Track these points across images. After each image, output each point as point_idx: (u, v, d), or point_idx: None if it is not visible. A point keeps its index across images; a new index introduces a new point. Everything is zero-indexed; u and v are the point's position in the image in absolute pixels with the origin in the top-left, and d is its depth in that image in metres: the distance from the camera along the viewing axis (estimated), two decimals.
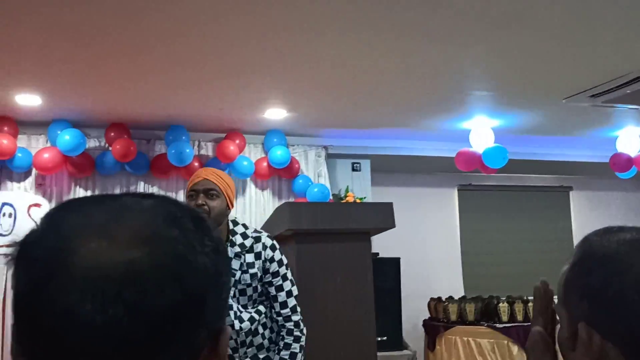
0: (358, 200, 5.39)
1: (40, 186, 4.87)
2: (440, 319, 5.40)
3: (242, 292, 2.16)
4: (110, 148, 4.93)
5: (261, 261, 2.18)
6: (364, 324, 2.89)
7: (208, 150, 5.34)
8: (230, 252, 2.15)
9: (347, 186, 5.59)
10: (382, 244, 4.90)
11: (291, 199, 5.48)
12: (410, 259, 5.70)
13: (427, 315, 5.67)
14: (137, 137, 5.04)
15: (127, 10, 2.88)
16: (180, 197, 5.20)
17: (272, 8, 2.90)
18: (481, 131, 5.09)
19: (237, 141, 5.20)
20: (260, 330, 2.22)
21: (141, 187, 5.13)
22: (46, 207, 4.81)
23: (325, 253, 2.85)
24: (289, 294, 2.21)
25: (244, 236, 2.21)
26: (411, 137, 5.62)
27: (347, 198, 5.41)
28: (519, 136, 5.57)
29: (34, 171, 4.84)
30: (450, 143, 5.48)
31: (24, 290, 0.52)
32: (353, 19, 3.06)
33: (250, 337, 2.21)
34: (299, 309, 2.24)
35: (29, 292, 0.51)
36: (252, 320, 2.19)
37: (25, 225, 4.70)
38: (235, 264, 2.15)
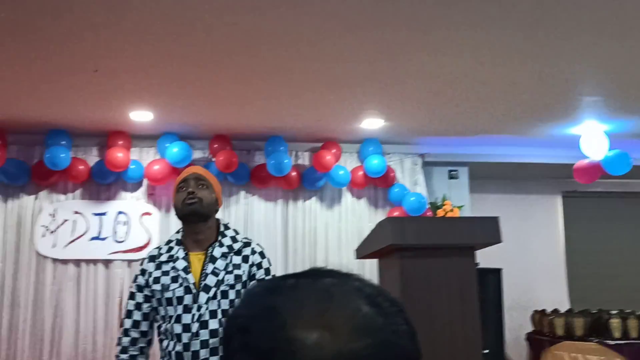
0: (456, 209, 5.29)
1: (150, 196, 5.17)
2: (545, 333, 5.17)
3: (224, 294, 2.02)
4: (214, 159, 5.15)
5: (248, 265, 2.10)
6: (469, 340, 2.82)
7: (305, 159, 5.44)
8: (218, 251, 2.08)
9: (444, 194, 5.49)
10: (482, 254, 4.74)
11: (387, 208, 5.47)
12: (511, 269, 5.51)
13: (529, 328, 5.46)
14: (238, 148, 5.23)
15: (233, 35, 3.00)
16: (279, 205, 5.34)
17: (373, 26, 2.92)
18: (594, 137, 4.80)
19: (334, 150, 5.26)
20: (221, 352, 2.06)
21: (242, 197, 5.32)
22: (156, 215, 5.11)
23: (429, 268, 2.81)
24: None
25: (234, 239, 2.17)
26: (513, 144, 5.43)
27: (444, 206, 5.32)
28: (632, 140, 5.23)
29: (145, 182, 5.15)
30: (555, 149, 5.25)
31: None
32: (454, 30, 3.02)
33: (205, 351, 1.97)
34: None
35: None
36: (213, 332, 1.97)
37: (137, 232, 5.03)
38: (221, 264, 2.06)
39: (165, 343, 2.01)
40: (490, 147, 5.48)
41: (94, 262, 4.98)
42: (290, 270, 5.24)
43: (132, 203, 5.10)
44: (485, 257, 4.94)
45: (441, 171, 5.66)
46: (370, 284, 0.60)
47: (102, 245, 4.97)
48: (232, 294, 2.01)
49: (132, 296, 2.14)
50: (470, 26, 2.97)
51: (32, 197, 4.94)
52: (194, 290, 1.99)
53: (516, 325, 5.51)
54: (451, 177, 5.65)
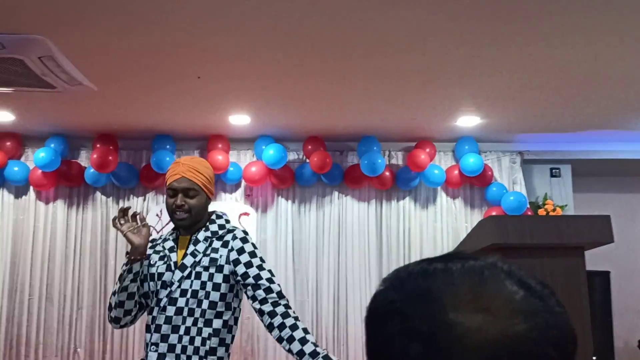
0: (558, 209, 5.05)
1: (248, 197, 5.34)
2: None
3: (198, 275, 2.03)
4: (307, 160, 5.24)
5: (227, 250, 2.08)
6: (579, 344, 2.68)
7: (398, 159, 5.41)
8: (202, 235, 2.11)
9: (546, 193, 5.27)
10: (588, 256, 4.51)
11: (484, 208, 5.32)
12: (619, 271, 5.18)
13: None
14: (331, 149, 5.29)
15: (329, 40, 3.04)
16: (372, 206, 5.35)
17: (472, 18, 2.85)
18: None
19: (428, 149, 5.19)
20: (181, 331, 1.99)
21: (336, 197, 5.37)
22: (254, 216, 5.27)
23: (534, 269, 2.70)
24: (270, 280, 2.05)
25: (220, 227, 2.16)
26: (620, 139, 5.11)
27: (546, 206, 5.10)
28: None
29: (243, 183, 5.33)
30: None
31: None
32: (554, 22, 2.89)
33: (167, 327, 2.00)
34: (284, 294, 2.09)
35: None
36: (179, 310, 2.00)
37: None
38: (201, 247, 2.09)
39: (148, 318, 2.12)
40: (596, 143, 5.19)
41: None
42: (385, 273, 5.22)
43: (231, 204, 5.29)
44: (590, 260, 4.69)
45: (542, 169, 5.43)
46: (516, 267, 0.60)
47: None
48: (204, 276, 2.03)
49: None
50: (585, 10, 2.82)
51: (141, 198, 5.26)
52: (173, 268, 2.06)
53: (627, 331, 5.18)
54: (553, 176, 5.40)
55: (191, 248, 2.07)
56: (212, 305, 2.02)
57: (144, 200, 5.26)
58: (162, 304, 2.01)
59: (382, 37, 3.10)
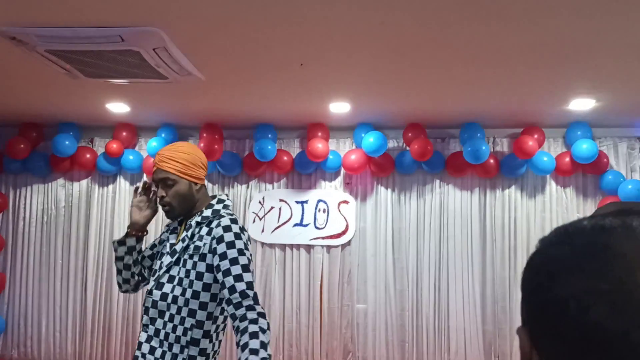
0: None
1: (347, 185, 5.35)
2: None
3: (184, 263, 1.97)
4: (408, 148, 5.15)
5: (210, 238, 1.96)
6: None
7: (504, 146, 5.19)
8: (195, 219, 2.04)
9: None
10: None
11: (598, 197, 4.99)
12: None
13: None
14: (432, 137, 5.17)
15: (428, 24, 2.94)
16: (475, 194, 5.17)
17: None
18: None
19: (536, 136, 4.93)
20: (166, 317, 1.94)
21: (437, 185, 5.25)
22: (353, 204, 5.27)
23: None
24: (238, 278, 1.86)
25: (214, 212, 2.04)
26: None
27: None
28: None
29: (342, 171, 5.34)
30: None
31: (580, 313, 0.52)
32: None
33: (154, 310, 1.97)
34: (252, 295, 1.87)
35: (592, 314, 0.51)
36: (164, 296, 1.95)
37: (336, 220, 5.23)
38: (190, 232, 2.02)
39: None
40: None
41: (297, 247, 5.31)
42: (489, 264, 5.05)
43: (330, 192, 5.32)
44: None
45: None
46: None
47: (304, 231, 5.27)
48: (189, 264, 1.96)
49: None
50: None
51: (244, 186, 5.42)
52: (169, 250, 2.05)
53: None
54: None
55: (183, 233, 2.03)
56: (195, 294, 1.94)
57: (247, 187, 5.42)
58: (150, 287, 2.01)
59: (481, 16, 2.95)
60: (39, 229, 5.49)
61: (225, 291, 1.86)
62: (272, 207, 5.34)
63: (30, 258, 5.45)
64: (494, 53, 3.46)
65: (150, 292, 2.00)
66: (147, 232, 2.19)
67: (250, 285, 1.89)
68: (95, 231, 5.43)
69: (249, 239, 2.05)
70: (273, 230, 5.31)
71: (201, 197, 2.09)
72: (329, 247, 5.28)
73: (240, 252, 1.92)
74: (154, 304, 1.98)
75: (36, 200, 5.52)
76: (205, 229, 1.99)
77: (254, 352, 1.71)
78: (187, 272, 1.96)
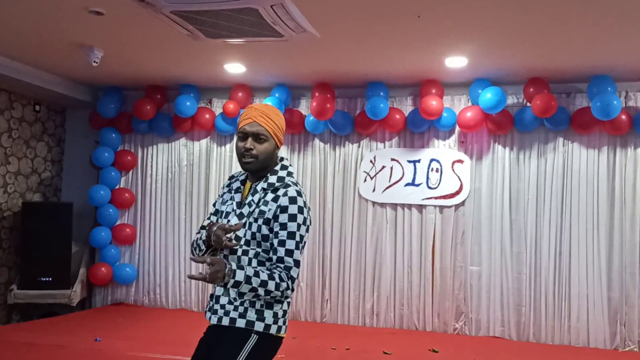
0: None
1: (462, 144, 5.18)
2: None
3: (250, 226, 2.06)
4: (528, 104, 4.87)
5: (276, 205, 2.04)
6: None
7: (637, 101, 4.77)
8: (260, 186, 2.11)
9: None
10: None
11: None
12: None
13: None
14: (556, 91, 4.85)
15: None
16: (604, 153, 4.82)
17: None
18: None
19: None
20: (244, 265, 2.02)
21: (560, 144, 4.94)
22: (467, 163, 5.11)
23: None
24: (289, 253, 2.02)
25: (279, 180, 2.11)
26: None
27: None
28: None
29: (456, 129, 5.17)
30: None
31: None
32: None
33: (234, 263, 2.01)
34: (293, 273, 2.02)
35: None
36: (234, 251, 2.06)
37: (450, 180, 5.11)
38: (257, 198, 2.09)
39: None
40: None
41: (409, 206, 5.25)
42: (617, 229, 4.73)
43: (444, 151, 5.18)
44: None
45: None
46: None
47: (416, 191, 5.20)
48: (254, 227, 2.05)
49: (214, 204, 2.33)
50: None
51: (355, 145, 5.42)
52: (235, 208, 2.14)
53: None
54: None
55: (249, 198, 2.11)
56: (266, 252, 2.07)
57: (358, 147, 5.41)
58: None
59: None
60: (164, 185, 5.86)
61: (274, 257, 2.04)
62: (383, 167, 5.30)
63: (157, 213, 5.85)
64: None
65: (222, 249, 2.09)
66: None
67: (297, 263, 2.05)
68: (214, 188, 5.71)
69: (309, 212, 2.15)
70: (384, 190, 5.28)
71: (275, 160, 2.18)
72: (441, 208, 5.17)
73: (298, 227, 2.05)
74: (227, 259, 2.08)
75: (161, 158, 5.88)
76: (270, 195, 2.09)
77: (264, 283, 1.98)
78: (253, 234, 2.07)
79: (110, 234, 5.76)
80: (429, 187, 5.18)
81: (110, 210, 5.75)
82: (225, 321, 2.06)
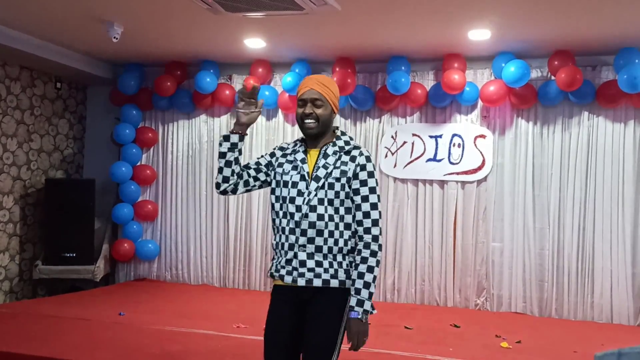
0: None
1: (484, 118, 5.11)
2: None
3: (331, 186, 2.22)
4: (553, 77, 4.78)
5: (354, 164, 2.22)
6: None
7: None
8: (330, 150, 2.26)
9: None
10: None
11: None
12: None
13: None
14: (581, 64, 4.75)
15: None
16: (630, 127, 4.73)
17: None
18: None
19: None
20: (325, 234, 2.21)
21: (585, 118, 4.85)
22: (490, 138, 5.05)
23: None
24: (374, 206, 2.21)
25: (346, 143, 2.28)
26: None
27: None
28: None
29: (479, 104, 5.10)
30: None
31: None
32: None
33: (312, 231, 2.21)
34: (380, 225, 2.22)
35: None
36: (320, 216, 2.20)
37: (472, 155, 5.06)
38: (331, 160, 2.23)
39: (277, 221, 2.31)
40: None
41: (430, 182, 5.22)
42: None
43: (466, 126, 5.12)
44: None
45: None
46: None
47: (438, 166, 5.16)
48: (337, 186, 2.21)
49: (263, 155, 2.41)
50: None
51: (377, 120, 5.37)
52: (307, 179, 2.25)
53: None
54: None
55: (322, 161, 2.26)
56: (348, 210, 2.23)
57: (380, 122, 5.37)
58: (304, 211, 2.22)
59: None
60: (185, 162, 5.88)
61: (360, 214, 2.22)
62: (404, 142, 5.26)
63: (178, 189, 5.88)
64: None
65: (305, 216, 2.22)
66: (247, 134, 2.45)
67: (380, 214, 2.24)
68: None
69: None
70: (405, 165, 5.25)
71: (332, 127, 2.33)
72: (463, 183, 5.13)
73: (376, 183, 2.26)
74: (312, 224, 2.22)
75: (182, 135, 5.89)
76: (345, 157, 2.25)
77: (367, 285, 2.16)
78: (337, 193, 2.22)
79: (133, 211, 5.81)
80: (451, 163, 5.13)
81: (132, 186, 5.80)
82: (317, 282, 2.21)
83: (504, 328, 4.36)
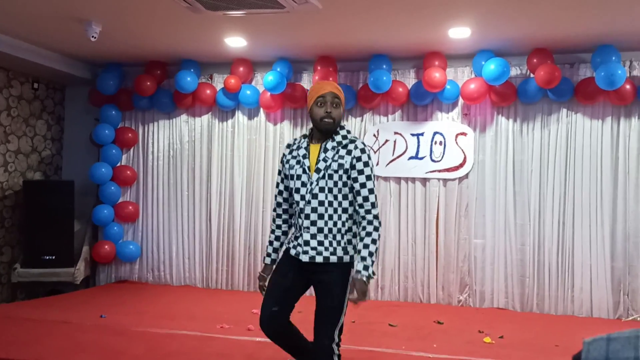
0: None
1: (465, 116, 5.15)
2: None
3: (330, 176, 2.57)
4: (532, 75, 4.84)
5: (351, 157, 2.57)
6: None
7: None
8: (330, 145, 2.61)
9: None
10: None
11: None
12: None
13: None
14: (560, 62, 4.81)
15: None
16: (607, 124, 4.79)
17: None
18: None
19: None
20: (326, 217, 2.58)
21: (564, 115, 4.92)
22: (471, 135, 5.09)
23: None
24: (371, 191, 2.57)
25: (344, 137, 2.63)
26: None
27: None
28: None
29: (460, 101, 5.14)
30: None
31: None
32: None
33: (314, 215, 2.58)
34: (377, 207, 2.60)
35: None
36: (321, 202, 2.58)
37: (453, 152, 5.09)
38: (330, 154, 2.59)
39: (291, 208, 2.78)
40: None
41: (412, 180, 5.24)
42: (620, 200, 4.73)
43: (447, 123, 5.16)
44: None
45: None
46: None
47: (420, 164, 5.19)
48: (335, 177, 2.58)
49: (279, 172, 2.82)
50: None
51: (359, 119, 5.38)
52: (308, 172, 2.62)
53: None
54: None
55: (322, 155, 2.61)
56: (345, 197, 2.60)
57: (362, 120, 5.38)
58: (307, 198, 2.59)
59: None
60: (165, 162, 5.83)
61: (360, 198, 2.58)
62: (386, 140, 5.28)
63: (159, 190, 5.83)
64: None
65: (308, 202, 2.60)
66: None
67: (377, 197, 2.62)
68: (217, 164, 5.69)
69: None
70: (388, 164, 5.27)
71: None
72: (445, 181, 5.16)
73: (371, 170, 2.61)
74: (314, 209, 2.60)
75: (162, 135, 5.84)
76: (343, 150, 2.60)
77: (371, 254, 2.52)
78: (335, 182, 2.59)
79: (113, 212, 5.75)
80: (433, 160, 5.16)
81: (112, 187, 5.73)
82: (319, 259, 2.57)
83: (487, 323, 4.40)
